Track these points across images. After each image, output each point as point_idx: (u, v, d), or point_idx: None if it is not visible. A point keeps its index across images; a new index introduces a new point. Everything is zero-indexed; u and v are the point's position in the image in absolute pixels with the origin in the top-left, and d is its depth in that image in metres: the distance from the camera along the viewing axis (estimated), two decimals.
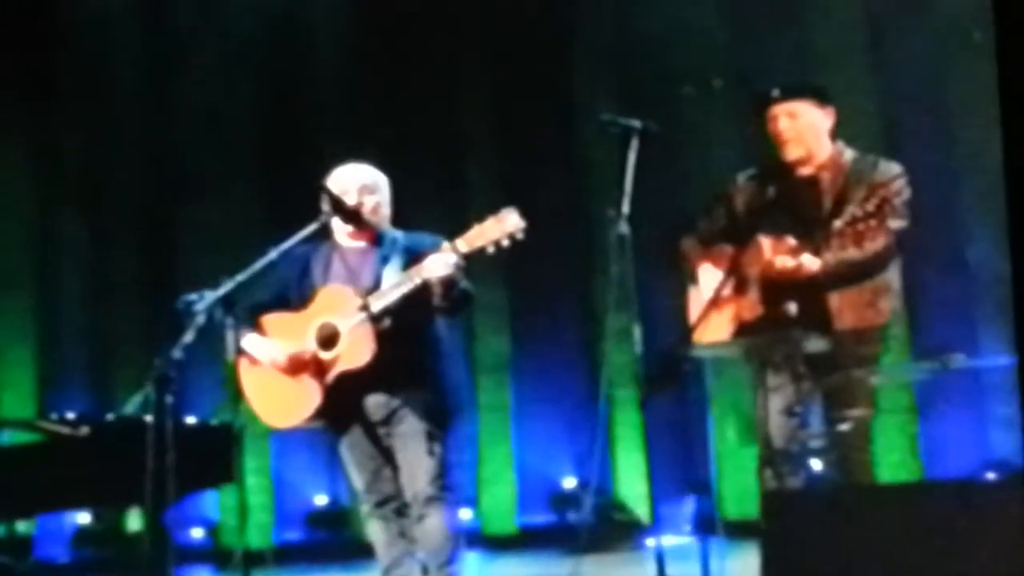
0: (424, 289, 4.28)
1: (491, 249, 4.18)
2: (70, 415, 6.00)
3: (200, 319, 4.26)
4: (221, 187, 9.04)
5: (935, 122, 7.45)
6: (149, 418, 7.02)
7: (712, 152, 7.94)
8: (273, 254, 4.35)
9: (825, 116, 4.50)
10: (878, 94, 7.63)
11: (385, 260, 4.46)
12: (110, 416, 6.65)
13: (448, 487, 4.42)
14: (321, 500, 9.00)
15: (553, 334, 8.51)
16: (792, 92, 4.50)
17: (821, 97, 4.54)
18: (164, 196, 9.25)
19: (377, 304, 4.32)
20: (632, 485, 8.19)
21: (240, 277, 4.30)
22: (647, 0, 8.22)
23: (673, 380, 4.39)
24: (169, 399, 4.34)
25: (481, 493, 8.55)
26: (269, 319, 4.45)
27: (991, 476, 7.21)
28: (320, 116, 9.01)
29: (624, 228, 4.21)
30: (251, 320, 4.42)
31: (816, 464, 4.30)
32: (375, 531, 4.53)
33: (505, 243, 4.17)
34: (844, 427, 4.31)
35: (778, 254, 4.22)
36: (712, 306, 4.34)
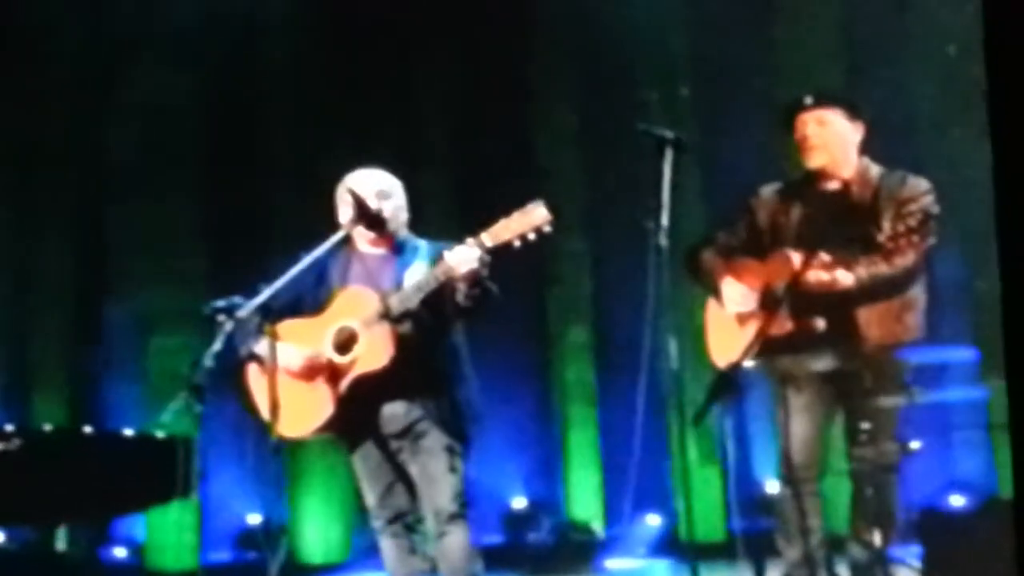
0: (446, 289, 4.13)
1: (517, 243, 4.05)
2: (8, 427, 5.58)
3: (228, 326, 4.07)
4: (155, 188, 8.60)
5: (906, 133, 7.34)
6: (88, 429, 6.70)
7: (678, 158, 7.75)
8: (307, 260, 4.18)
9: (855, 129, 4.49)
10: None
11: (407, 265, 4.33)
12: (47, 427, 6.25)
13: (469, 504, 4.32)
14: (254, 519, 8.61)
15: (505, 349, 8.21)
16: (824, 100, 4.49)
17: (853, 109, 4.52)
18: (94, 197, 8.79)
19: (397, 303, 4.17)
20: (587, 505, 7.92)
21: (277, 283, 4.12)
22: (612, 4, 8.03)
23: (729, 393, 4.21)
24: (198, 409, 4.13)
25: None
26: (285, 325, 4.24)
27: (959, 499, 7.12)
28: (266, 116, 8.70)
29: (663, 241, 4.08)
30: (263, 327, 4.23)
31: (890, 481, 4.31)
32: (385, 548, 4.43)
33: (532, 237, 4.05)
34: (915, 444, 4.32)
35: (810, 268, 4.18)
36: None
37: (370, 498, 4.38)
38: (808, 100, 4.47)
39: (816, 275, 4.17)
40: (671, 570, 7.31)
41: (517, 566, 7.55)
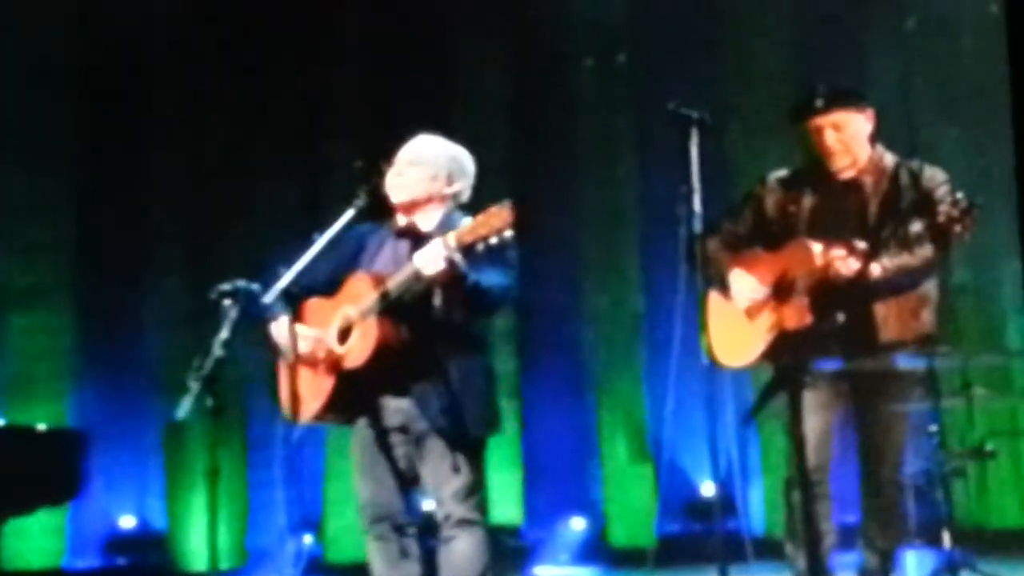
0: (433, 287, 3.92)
1: (481, 247, 3.79)
2: None
3: (233, 313, 3.85)
4: (12, 153, 7.87)
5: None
6: None
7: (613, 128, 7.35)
8: (321, 242, 3.97)
9: (866, 120, 4.37)
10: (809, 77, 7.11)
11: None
12: None
13: (481, 508, 4.05)
14: (128, 522, 7.87)
15: None
16: (834, 101, 4.34)
17: (860, 102, 4.39)
18: None
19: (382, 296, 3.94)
20: (507, 506, 7.38)
21: (297, 266, 3.92)
22: None
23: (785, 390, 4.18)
24: (210, 402, 3.81)
25: (326, 516, 7.59)
26: (309, 304, 4.15)
27: None
28: (146, 74, 8.06)
29: (697, 227, 3.95)
30: (293, 305, 4.09)
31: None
32: (371, 551, 4.13)
33: (494, 241, 3.76)
34: (990, 448, 4.32)
35: (835, 258, 4.07)
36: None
37: (362, 493, 4.15)
38: (819, 103, 4.31)
39: (846, 264, 4.05)
40: None
41: None
